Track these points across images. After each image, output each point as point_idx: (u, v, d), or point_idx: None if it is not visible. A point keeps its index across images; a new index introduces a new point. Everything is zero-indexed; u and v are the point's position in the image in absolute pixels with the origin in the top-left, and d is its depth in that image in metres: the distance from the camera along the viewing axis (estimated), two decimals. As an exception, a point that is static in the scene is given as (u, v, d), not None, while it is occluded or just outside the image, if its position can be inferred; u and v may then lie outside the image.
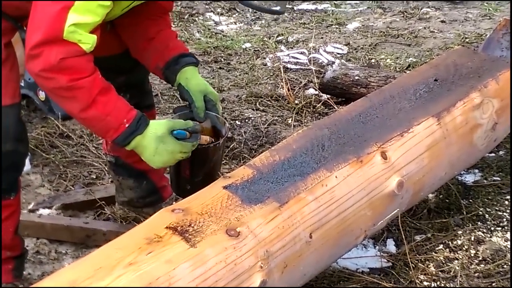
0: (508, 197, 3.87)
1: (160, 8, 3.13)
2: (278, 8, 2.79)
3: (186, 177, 3.03)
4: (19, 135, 2.96)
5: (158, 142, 2.73)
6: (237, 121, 4.74)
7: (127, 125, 2.69)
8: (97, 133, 2.81)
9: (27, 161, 3.18)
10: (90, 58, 2.67)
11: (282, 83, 5.21)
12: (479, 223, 3.67)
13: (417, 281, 3.21)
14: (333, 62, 5.42)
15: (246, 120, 4.76)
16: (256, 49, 6.06)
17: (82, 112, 2.67)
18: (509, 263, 3.32)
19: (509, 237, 3.52)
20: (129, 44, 3.17)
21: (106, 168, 4.13)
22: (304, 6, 6.89)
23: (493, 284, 3.20)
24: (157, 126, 2.74)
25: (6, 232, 3.04)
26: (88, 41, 2.63)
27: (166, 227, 2.42)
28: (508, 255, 3.37)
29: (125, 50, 3.20)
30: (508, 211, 3.76)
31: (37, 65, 2.60)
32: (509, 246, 3.45)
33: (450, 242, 3.49)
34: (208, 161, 3.00)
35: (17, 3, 2.85)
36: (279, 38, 6.23)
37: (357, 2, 6.95)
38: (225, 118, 4.67)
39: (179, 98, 4.86)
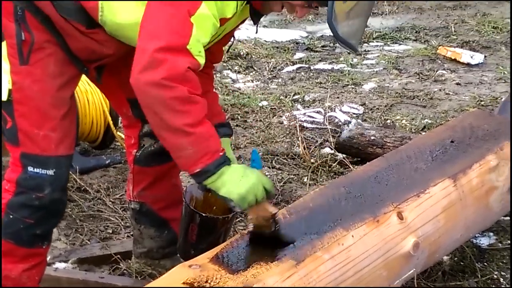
0: (524, 260, 3.87)
1: (211, 59, 3.14)
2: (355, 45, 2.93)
3: (191, 241, 3.10)
4: (66, 185, 3.04)
5: (244, 169, 2.73)
6: (253, 179, 4.75)
7: (221, 154, 2.69)
8: (190, 156, 2.69)
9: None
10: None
11: (298, 142, 5.23)
12: (493, 286, 3.65)
13: None
14: (349, 122, 5.45)
15: (262, 178, 4.77)
16: (272, 107, 6.10)
17: (191, 127, 2.63)
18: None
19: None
20: None
21: (123, 223, 4.15)
22: (321, 65, 6.95)
23: None
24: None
25: (32, 281, 3.07)
26: (204, 57, 2.66)
27: (183, 283, 2.43)
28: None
29: None
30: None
31: (160, 72, 2.57)
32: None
33: (465, 305, 3.48)
34: (216, 231, 3.09)
35: (95, 46, 2.91)
36: (296, 96, 6.28)
37: (373, 63, 7.01)
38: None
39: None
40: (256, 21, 3.04)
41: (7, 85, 2.85)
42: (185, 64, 2.60)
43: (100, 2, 2.78)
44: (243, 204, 2.72)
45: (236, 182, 2.69)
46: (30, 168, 2.91)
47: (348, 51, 7.10)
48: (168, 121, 2.63)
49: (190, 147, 2.66)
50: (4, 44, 2.83)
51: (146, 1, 2.72)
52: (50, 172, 2.93)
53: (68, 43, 2.90)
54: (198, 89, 2.63)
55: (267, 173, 4.81)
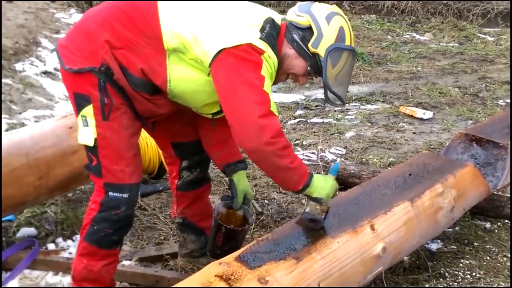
0: (463, 260, 3.83)
1: None
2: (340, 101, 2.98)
3: (218, 245, 3.12)
4: (135, 204, 3.08)
5: (323, 177, 2.87)
6: (265, 200, 4.75)
7: (308, 171, 2.83)
8: (296, 181, 2.81)
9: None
10: None
11: (298, 174, 5.20)
12: (441, 279, 3.62)
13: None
14: (335, 160, 5.45)
15: (272, 200, 4.77)
16: (280, 149, 6.06)
17: (292, 163, 2.74)
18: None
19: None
20: (203, 140, 3.29)
21: (172, 232, 4.14)
22: (315, 119, 6.94)
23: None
24: None
25: (108, 273, 3.09)
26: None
27: (215, 276, 2.43)
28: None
29: None
30: (462, 271, 3.72)
31: (267, 133, 2.65)
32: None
33: (420, 293, 3.45)
34: (236, 238, 3.14)
35: (154, 108, 2.97)
36: (297, 142, 6.26)
37: (353, 117, 7.01)
38: (257, 198, 4.71)
39: (225, 185, 4.95)
40: None
41: (93, 135, 2.89)
42: (277, 123, 2.69)
43: (168, 77, 2.84)
44: (327, 199, 2.87)
45: (322, 186, 2.83)
46: (110, 193, 2.94)
47: (336, 107, 7.12)
48: (279, 164, 2.72)
49: (295, 176, 2.79)
50: (90, 106, 2.87)
51: (208, 77, 2.78)
52: (125, 195, 2.95)
53: (135, 105, 2.94)
54: (284, 135, 2.71)
55: (276, 197, 4.82)
